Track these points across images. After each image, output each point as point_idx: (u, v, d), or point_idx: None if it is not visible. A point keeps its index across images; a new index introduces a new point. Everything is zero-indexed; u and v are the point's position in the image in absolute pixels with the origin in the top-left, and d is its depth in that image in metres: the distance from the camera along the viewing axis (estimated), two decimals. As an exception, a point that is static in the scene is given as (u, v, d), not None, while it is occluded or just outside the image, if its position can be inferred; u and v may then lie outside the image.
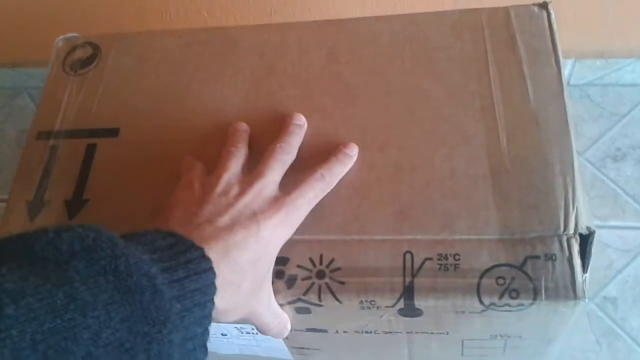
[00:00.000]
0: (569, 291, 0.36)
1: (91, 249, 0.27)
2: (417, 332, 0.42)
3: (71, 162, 0.48)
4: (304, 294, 0.39)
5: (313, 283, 0.39)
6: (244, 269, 0.35)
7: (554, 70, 0.44)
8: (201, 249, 0.33)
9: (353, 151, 0.43)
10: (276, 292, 0.39)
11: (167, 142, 0.47)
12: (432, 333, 0.41)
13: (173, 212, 0.38)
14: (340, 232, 0.41)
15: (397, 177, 0.42)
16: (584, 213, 0.38)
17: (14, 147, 0.99)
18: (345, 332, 0.42)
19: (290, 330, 0.42)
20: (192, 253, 0.32)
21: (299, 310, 0.40)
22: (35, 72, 0.99)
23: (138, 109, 0.50)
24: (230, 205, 0.37)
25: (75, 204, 0.46)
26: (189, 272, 0.31)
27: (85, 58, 0.54)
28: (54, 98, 0.52)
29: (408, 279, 0.38)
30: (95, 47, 0.54)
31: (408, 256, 0.39)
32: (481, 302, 0.37)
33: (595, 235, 0.38)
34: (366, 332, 0.42)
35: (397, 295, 0.38)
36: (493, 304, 0.37)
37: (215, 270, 0.33)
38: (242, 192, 0.38)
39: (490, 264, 0.37)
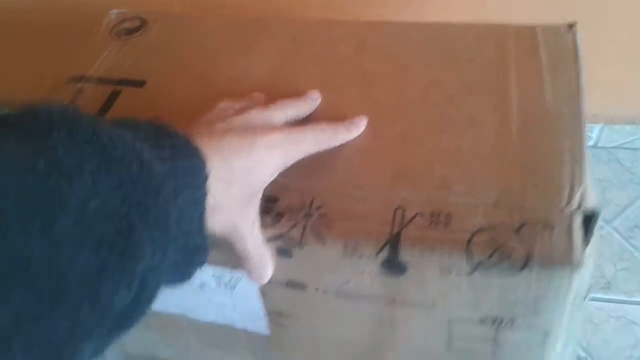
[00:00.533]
0: (565, 257, 0.34)
1: (72, 121, 0.26)
2: (399, 303, 0.39)
3: (92, 104, 0.49)
4: (288, 231, 0.38)
5: (298, 222, 0.38)
6: (234, 172, 0.34)
7: (573, 74, 0.44)
8: (187, 137, 0.32)
9: (361, 122, 0.43)
10: (261, 225, 0.38)
11: (189, 99, 0.48)
12: (415, 306, 0.39)
13: None
14: (335, 184, 0.40)
15: (402, 145, 0.42)
16: (590, 197, 0.37)
17: None
18: (324, 292, 0.40)
19: (270, 279, 0.40)
20: (178, 138, 0.32)
21: (281, 252, 0.39)
22: None
23: (168, 68, 0.52)
24: (230, 116, 0.37)
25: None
26: (176, 152, 0.30)
27: (131, 28, 0.57)
28: (93, 54, 0.55)
29: (396, 229, 0.37)
30: (143, 21, 0.58)
31: (399, 211, 0.37)
32: (469, 259, 0.35)
33: (599, 219, 0.36)
34: (346, 295, 0.40)
35: (383, 242, 0.36)
36: (481, 263, 0.35)
37: (206, 158, 0.32)
38: (244, 110, 0.39)
39: (484, 224, 0.36)
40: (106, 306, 0.25)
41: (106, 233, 0.25)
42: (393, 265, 0.37)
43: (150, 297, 0.28)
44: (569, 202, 0.36)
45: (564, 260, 0.34)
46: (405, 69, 0.48)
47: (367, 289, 0.39)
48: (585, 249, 0.34)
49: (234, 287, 0.43)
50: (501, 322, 0.38)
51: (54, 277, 0.23)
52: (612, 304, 0.75)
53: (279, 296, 0.42)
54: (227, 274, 0.42)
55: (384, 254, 0.36)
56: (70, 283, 0.23)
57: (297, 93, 0.46)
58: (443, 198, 0.38)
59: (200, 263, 0.34)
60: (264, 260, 0.38)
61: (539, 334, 0.38)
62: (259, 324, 0.45)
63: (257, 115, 0.39)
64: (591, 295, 0.68)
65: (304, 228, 0.38)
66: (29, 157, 0.23)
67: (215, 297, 0.45)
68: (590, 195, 0.37)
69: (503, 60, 0.47)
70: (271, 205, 0.39)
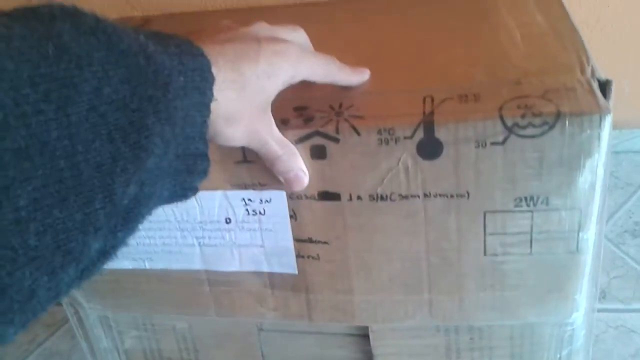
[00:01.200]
0: (593, 107, 0.35)
1: (74, 13, 0.26)
2: (435, 196, 0.39)
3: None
4: (323, 126, 0.38)
5: (331, 119, 0.39)
6: (245, 76, 0.34)
7: (559, 5, 0.49)
8: (190, 40, 0.32)
9: (365, 72, 0.42)
10: (293, 127, 0.39)
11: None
12: (452, 197, 0.39)
13: None
14: (361, 89, 0.41)
15: (419, 58, 0.45)
16: (599, 70, 0.39)
17: None
18: (358, 198, 0.40)
19: (302, 192, 0.40)
20: (181, 39, 0.31)
21: (314, 152, 0.39)
22: None
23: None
24: (234, 29, 0.37)
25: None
26: (182, 50, 0.30)
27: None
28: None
29: (428, 111, 0.38)
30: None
31: (428, 99, 0.39)
32: (503, 124, 0.36)
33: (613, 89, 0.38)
34: (381, 198, 0.40)
35: (417, 122, 0.37)
36: (515, 125, 0.36)
37: (211, 61, 0.32)
38: (249, 24, 0.38)
39: (511, 96, 0.38)
40: (117, 199, 0.25)
41: (120, 123, 0.25)
42: (429, 145, 0.37)
43: (151, 197, 0.29)
44: (582, 72, 0.39)
45: (592, 109, 0.35)
46: (408, 18, 0.52)
47: (402, 185, 0.39)
48: (609, 103, 0.36)
49: (264, 213, 0.42)
50: (536, 202, 0.38)
51: (70, 163, 0.23)
52: (609, 314, 0.74)
53: (310, 216, 0.41)
54: (257, 198, 0.42)
55: (419, 135, 0.37)
56: (85, 172, 0.24)
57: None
58: (468, 84, 0.39)
59: (202, 173, 0.33)
60: (293, 154, 0.38)
61: (575, 214, 0.39)
62: (287, 260, 0.44)
63: (263, 28, 0.38)
64: None
65: (338, 122, 0.38)
66: (37, 43, 0.23)
67: (242, 234, 0.43)
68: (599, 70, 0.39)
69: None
70: (301, 112, 0.40)
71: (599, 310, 0.73)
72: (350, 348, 0.49)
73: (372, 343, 0.47)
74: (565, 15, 0.47)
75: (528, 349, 0.45)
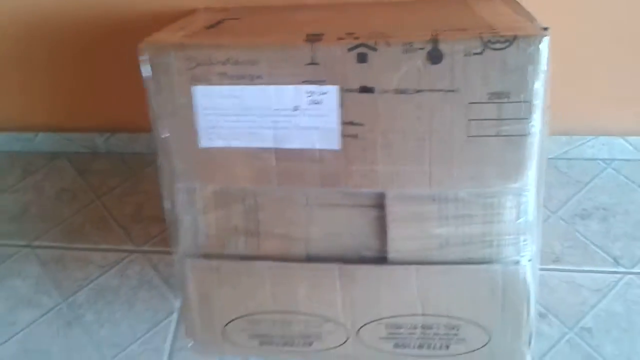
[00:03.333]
0: (536, 32, 0.58)
1: None
2: (437, 91, 0.60)
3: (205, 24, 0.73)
4: (366, 40, 0.60)
5: (372, 37, 0.60)
6: None
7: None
8: None
9: None
10: (347, 42, 0.60)
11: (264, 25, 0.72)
12: (448, 91, 0.60)
13: None
14: (392, 24, 0.63)
15: (427, 20, 0.66)
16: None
17: (53, 201, 1.18)
18: (386, 91, 0.61)
19: (348, 87, 0.61)
20: None
21: (359, 58, 0.60)
22: (75, 137, 1.21)
23: (252, 16, 0.76)
24: None
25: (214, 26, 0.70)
26: None
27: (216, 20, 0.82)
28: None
29: (435, 34, 0.59)
30: (224, 9, 0.84)
31: (434, 32, 0.61)
32: (482, 41, 0.58)
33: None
34: (402, 91, 0.61)
35: (427, 39, 0.59)
36: (489, 41, 0.58)
37: None
38: None
39: (487, 29, 0.59)
40: None
41: None
42: (434, 55, 0.59)
43: None
44: (531, 22, 0.61)
45: (536, 33, 0.57)
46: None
47: (416, 82, 0.60)
48: (546, 32, 0.58)
49: (321, 103, 0.63)
50: (501, 97, 0.59)
51: None
52: (562, 273, 0.94)
53: (353, 104, 0.62)
54: (318, 91, 0.62)
55: (428, 47, 0.59)
56: None
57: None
58: (458, 26, 0.61)
59: None
60: None
61: (527, 106, 0.60)
62: (334, 138, 0.64)
63: None
64: (545, 266, 0.90)
65: (376, 38, 0.60)
66: None
67: (304, 119, 0.64)
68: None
69: None
70: (351, 34, 0.62)
71: (554, 270, 0.93)
72: (371, 216, 0.68)
73: (386, 210, 0.66)
74: (521, 6, 0.70)
75: (496, 217, 0.65)
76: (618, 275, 0.92)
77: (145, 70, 0.64)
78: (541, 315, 0.89)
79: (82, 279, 1.05)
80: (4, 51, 1.05)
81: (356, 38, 0.61)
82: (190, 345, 0.78)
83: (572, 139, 1.02)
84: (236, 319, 0.75)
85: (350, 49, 0.60)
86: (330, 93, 0.62)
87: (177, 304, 1.00)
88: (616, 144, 1.02)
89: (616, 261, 0.93)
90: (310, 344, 0.75)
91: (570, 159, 1.05)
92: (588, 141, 1.02)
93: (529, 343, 0.70)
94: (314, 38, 0.61)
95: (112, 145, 1.20)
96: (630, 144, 1.01)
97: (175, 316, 0.98)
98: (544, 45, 0.57)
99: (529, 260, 0.66)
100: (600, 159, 1.05)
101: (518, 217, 0.65)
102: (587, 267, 0.94)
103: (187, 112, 0.66)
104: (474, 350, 0.72)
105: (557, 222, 0.99)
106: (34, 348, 0.98)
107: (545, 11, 0.62)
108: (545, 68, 0.58)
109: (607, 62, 0.90)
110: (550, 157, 1.04)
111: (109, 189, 1.17)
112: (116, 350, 0.96)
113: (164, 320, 0.98)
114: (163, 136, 0.67)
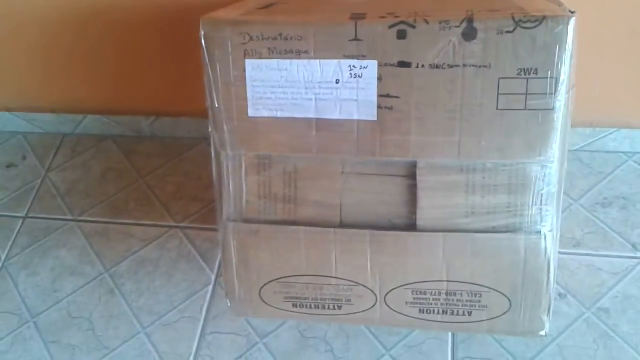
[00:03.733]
0: (564, 14, 0.63)
1: None
2: (469, 66, 0.65)
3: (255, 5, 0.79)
4: (405, 18, 0.66)
5: (411, 16, 0.66)
6: None
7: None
8: None
9: None
10: (388, 20, 0.66)
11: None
12: (480, 66, 0.65)
13: None
14: (431, 7, 0.69)
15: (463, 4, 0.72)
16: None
17: (99, 179, 1.25)
18: (422, 66, 0.66)
19: (386, 61, 0.66)
20: None
21: (398, 35, 0.66)
22: (122, 120, 1.28)
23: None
24: None
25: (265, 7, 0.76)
26: None
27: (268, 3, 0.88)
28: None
29: (470, 14, 0.65)
30: None
31: (469, 12, 0.66)
32: (513, 20, 0.63)
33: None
34: (437, 66, 0.66)
35: (463, 17, 0.64)
36: (520, 20, 0.63)
37: None
38: None
39: (518, 10, 0.65)
40: None
41: None
42: (469, 32, 0.64)
43: None
44: (559, 6, 0.66)
45: (564, 15, 0.62)
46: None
47: (450, 57, 0.66)
48: (573, 14, 0.63)
49: (361, 76, 0.69)
50: (529, 72, 0.64)
51: None
52: (582, 257, 0.98)
53: (390, 78, 0.68)
54: (358, 65, 0.68)
55: (464, 25, 0.64)
56: None
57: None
58: (493, 7, 0.67)
59: None
60: None
61: (553, 82, 0.64)
62: (371, 110, 0.70)
63: None
64: (565, 250, 0.94)
65: (415, 16, 0.66)
66: None
67: (345, 91, 0.70)
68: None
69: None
70: (391, 12, 0.67)
71: (574, 254, 0.97)
72: (402, 185, 0.74)
73: (417, 178, 0.72)
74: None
75: (520, 187, 0.70)
76: (636, 260, 0.96)
77: (203, 44, 0.71)
78: (560, 296, 0.93)
79: (124, 251, 1.12)
80: (54, 36, 1.13)
81: (396, 17, 0.67)
82: (228, 305, 0.84)
83: (595, 131, 1.06)
84: (272, 281, 0.80)
85: (390, 26, 0.66)
86: (370, 67, 0.68)
87: (213, 276, 1.05)
88: (638, 136, 1.05)
89: (634, 247, 0.97)
90: (340, 307, 0.80)
91: (592, 151, 1.09)
92: (610, 134, 1.06)
93: (548, 311, 0.74)
94: (357, 16, 0.67)
95: (155, 129, 1.28)
96: (652, 138, 1.05)
97: (210, 287, 1.04)
98: (571, 26, 0.62)
99: (550, 231, 0.71)
100: (621, 152, 1.09)
101: (541, 188, 0.69)
102: (605, 252, 0.98)
103: (238, 84, 0.72)
104: (495, 317, 0.76)
105: (579, 210, 1.03)
106: (76, 314, 1.05)
107: (572, 3, 0.67)
108: (571, 48, 0.63)
109: (630, 56, 0.94)
110: (573, 149, 1.09)
111: (152, 169, 1.24)
112: (154, 318, 1.02)
113: (200, 291, 1.04)
114: (215, 106, 0.73)
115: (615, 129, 1.05)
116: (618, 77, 0.98)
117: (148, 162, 1.25)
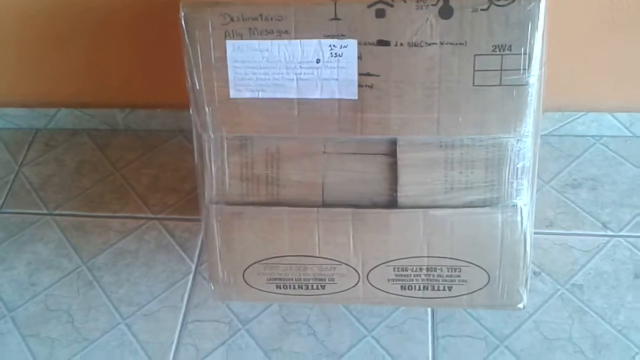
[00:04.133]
0: None
1: None
2: (446, 44, 0.67)
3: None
4: (384, -4, 0.67)
5: (389, -5, 0.68)
6: None
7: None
8: None
9: None
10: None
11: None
12: (456, 44, 0.67)
13: None
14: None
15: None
16: None
17: (73, 173, 1.24)
18: (401, 44, 0.68)
19: (367, 40, 0.68)
20: None
21: (377, 14, 0.67)
22: (96, 113, 1.26)
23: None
24: None
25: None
26: None
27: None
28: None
29: (445, -8, 0.67)
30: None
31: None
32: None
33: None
34: (414, 44, 0.68)
35: (439, -3, 0.67)
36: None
37: None
38: None
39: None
40: None
41: None
42: (445, 10, 0.66)
43: None
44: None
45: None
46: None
47: (427, 36, 0.68)
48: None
49: (341, 55, 0.70)
50: (504, 49, 0.67)
51: None
52: (555, 236, 1.01)
53: (370, 57, 0.69)
54: (338, 44, 0.70)
55: (440, 3, 0.66)
56: None
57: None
58: None
59: None
60: None
61: (526, 58, 0.67)
62: (352, 88, 0.71)
63: None
64: (539, 230, 0.97)
65: (393, -5, 0.68)
66: None
67: (325, 71, 0.71)
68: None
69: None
70: (371, -7, 0.69)
71: (547, 234, 1.01)
72: (383, 163, 0.75)
73: (398, 155, 0.73)
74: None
75: (497, 162, 0.72)
76: (606, 238, 0.99)
77: (183, 26, 0.71)
78: (535, 274, 0.96)
79: (101, 244, 1.11)
80: (25, 28, 1.12)
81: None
82: (212, 289, 0.84)
83: (564, 115, 1.10)
84: (255, 263, 0.81)
85: (369, 6, 0.68)
86: (350, 46, 0.69)
87: (193, 265, 1.05)
88: (605, 120, 1.09)
89: (605, 226, 1.00)
90: (324, 287, 0.81)
91: (561, 135, 1.13)
92: (578, 117, 1.09)
93: (526, 284, 0.77)
94: (337, -4, 0.69)
95: (130, 121, 1.27)
96: (618, 121, 1.09)
97: (191, 276, 1.04)
98: (542, 4, 0.65)
99: (525, 205, 0.73)
100: (589, 135, 1.13)
101: (517, 163, 0.72)
102: (577, 231, 1.01)
103: (219, 65, 0.73)
104: (474, 292, 0.78)
105: (550, 192, 1.06)
106: (54, 307, 1.04)
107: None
108: (543, 25, 0.66)
109: (597, 40, 0.98)
110: (543, 133, 1.12)
111: (127, 162, 1.23)
112: (134, 308, 1.02)
113: (180, 280, 1.04)
114: (197, 88, 0.74)
115: (583, 112, 1.09)
116: (586, 62, 1.02)
117: (123, 155, 1.25)
